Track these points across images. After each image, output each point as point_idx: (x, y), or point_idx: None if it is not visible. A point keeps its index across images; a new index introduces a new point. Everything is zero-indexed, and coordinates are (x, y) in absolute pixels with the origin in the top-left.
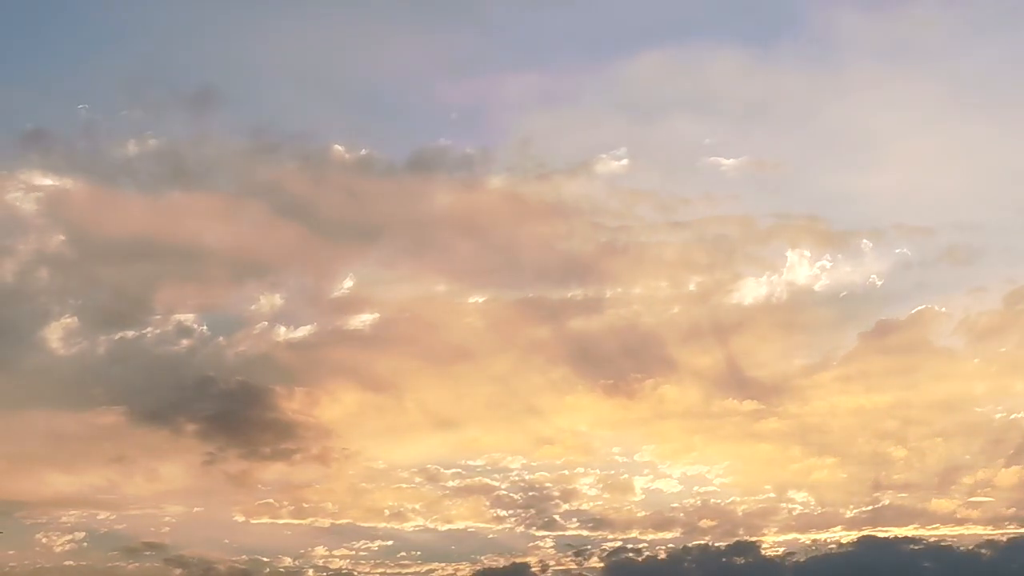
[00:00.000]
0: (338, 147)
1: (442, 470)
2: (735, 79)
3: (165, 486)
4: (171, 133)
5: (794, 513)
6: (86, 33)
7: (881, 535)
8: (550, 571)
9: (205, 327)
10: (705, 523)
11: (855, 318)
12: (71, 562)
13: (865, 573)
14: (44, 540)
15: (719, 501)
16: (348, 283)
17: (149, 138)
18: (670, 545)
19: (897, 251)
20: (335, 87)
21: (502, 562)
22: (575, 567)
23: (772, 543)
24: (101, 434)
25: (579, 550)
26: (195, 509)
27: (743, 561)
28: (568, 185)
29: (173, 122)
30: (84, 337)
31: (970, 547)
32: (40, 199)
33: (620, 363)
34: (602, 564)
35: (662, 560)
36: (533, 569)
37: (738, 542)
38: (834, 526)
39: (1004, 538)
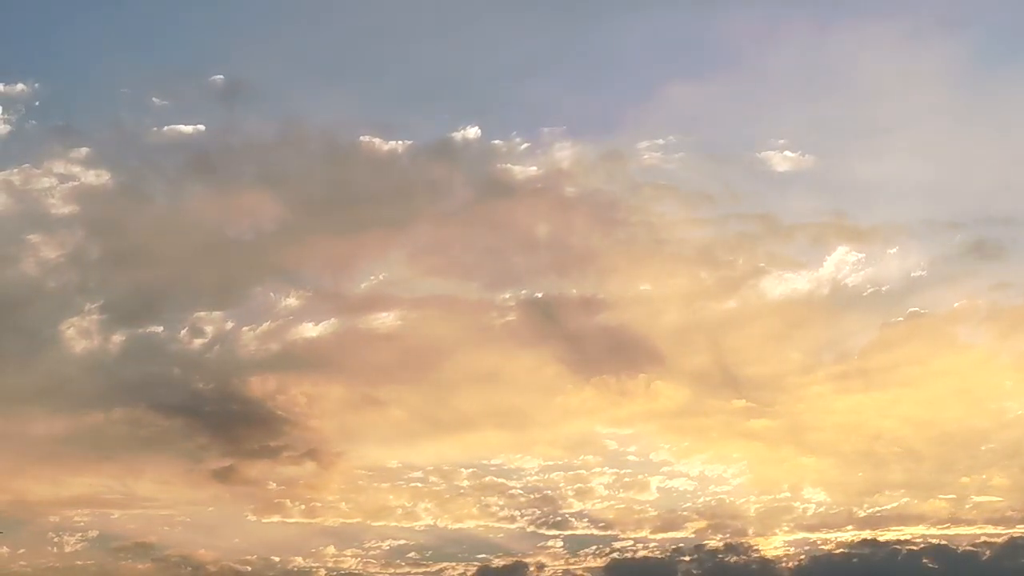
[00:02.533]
0: (364, 139)
1: (457, 469)
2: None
3: (176, 485)
4: (199, 126)
5: (808, 513)
6: (113, 27)
7: (899, 535)
8: (558, 571)
9: (222, 324)
10: (714, 523)
11: (879, 315)
12: (81, 562)
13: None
14: (56, 539)
15: (733, 500)
16: (367, 280)
17: (177, 131)
18: (680, 544)
19: (922, 246)
20: (363, 79)
21: (510, 562)
22: (581, 567)
23: (781, 543)
24: (113, 433)
25: (575, 551)
26: (207, 508)
27: (747, 561)
28: (588, 178)
29: (201, 115)
30: (100, 335)
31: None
32: (66, 193)
33: (635, 362)
34: (607, 564)
35: (666, 560)
36: (532, 569)
37: (744, 542)
38: (846, 526)
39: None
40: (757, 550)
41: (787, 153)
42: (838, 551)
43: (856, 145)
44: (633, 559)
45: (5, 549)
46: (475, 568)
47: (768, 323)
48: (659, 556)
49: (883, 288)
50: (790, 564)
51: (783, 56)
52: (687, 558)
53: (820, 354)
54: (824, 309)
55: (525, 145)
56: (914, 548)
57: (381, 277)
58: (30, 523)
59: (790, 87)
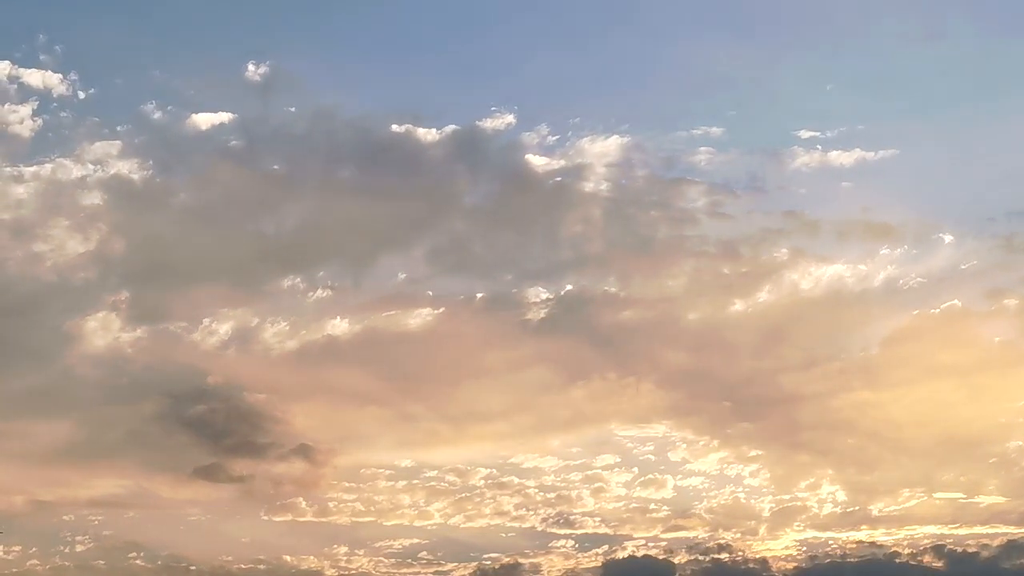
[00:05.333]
0: (396, 127)
1: (474, 469)
2: None
3: (187, 484)
4: (230, 116)
5: (822, 513)
6: (145, 17)
7: (912, 534)
8: (565, 571)
9: (243, 320)
10: (726, 522)
11: (903, 311)
12: (92, 561)
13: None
14: (68, 539)
15: (747, 499)
16: (389, 277)
17: (207, 122)
18: (690, 544)
19: (952, 241)
20: (393, 68)
21: (520, 562)
22: (587, 566)
23: (792, 542)
24: (126, 431)
25: (587, 550)
26: (219, 508)
27: (754, 561)
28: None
29: (232, 106)
30: (119, 331)
31: None
32: (96, 185)
33: (656, 360)
34: (612, 563)
35: (671, 559)
36: (529, 568)
37: (753, 542)
38: (860, 525)
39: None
40: (766, 550)
41: (817, 148)
42: (848, 550)
43: (882, 138)
44: (637, 558)
45: (18, 548)
46: (486, 567)
47: (788, 320)
48: (665, 556)
49: (910, 283)
50: (798, 564)
51: (811, 50)
52: (694, 557)
53: (842, 351)
54: (847, 306)
55: (553, 137)
56: (926, 547)
57: (403, 274)
58: (43, 523)
59: (818, 81)
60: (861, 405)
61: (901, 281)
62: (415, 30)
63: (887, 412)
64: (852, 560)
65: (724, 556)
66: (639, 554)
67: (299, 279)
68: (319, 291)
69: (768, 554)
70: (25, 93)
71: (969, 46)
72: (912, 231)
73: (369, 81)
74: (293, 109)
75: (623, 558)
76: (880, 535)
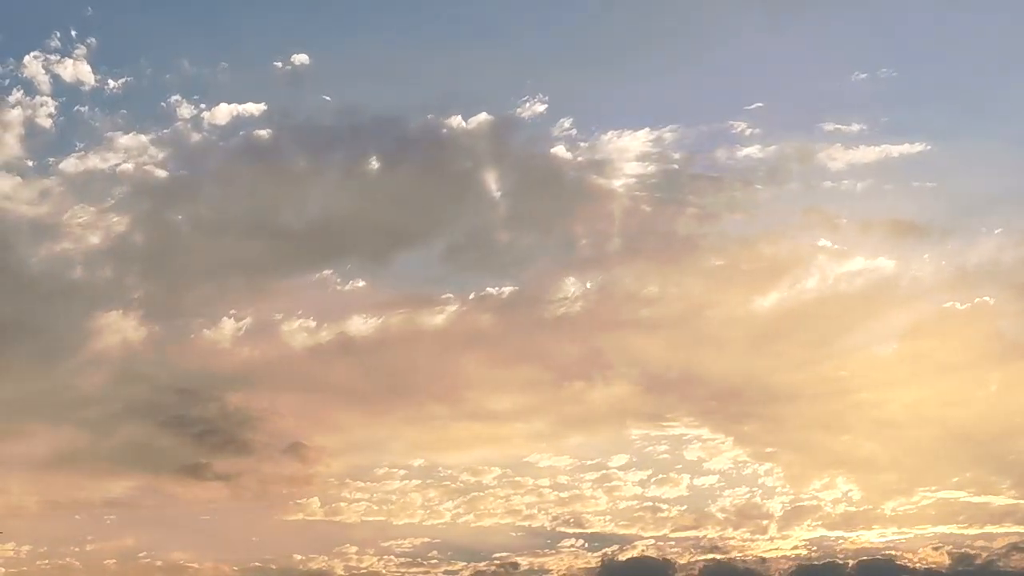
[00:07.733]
0: (429, 116)
1: (489, 468)
2: None
3: (199, 484)
4: (259, 108)
5: (834, 512)
6: (174, 12)
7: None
8: (567, 569)
9: (259, 317)
10: (736, 521)
11: (922, 309)
12: (100, 561)
13: None
14: (78, 538)
15: (761, 498)
16: (406, 274)
17: (232, 119)
18: (697, 544)
19: (974, 238)
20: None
21: (530, 560)
22: (591, 565)
23: (800, 541)
24: (137, 432)
25: (597, 549)
26: (229, 507)
27: (757, 560)
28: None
29: (260, 99)
30: (133, 328)
31: None
32: (119, 178)
33: (673, 358)
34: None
35: (676, 558)
36: (552, 568)
37: (760, 541)
38: (872, 524)
39: None
40: (774, 549)
41: (836, 145)
42: (852, 551)
43: (908, 132)
44: (636, 558)
45: (27, 547)
46: (494, 566)
47: (806, 318)
48: (668, 555)
49: (934, 279)
50: (798, 563)
51: (836, 42)
52: (696, 556)
53: (861, 349)
54: (866, 303)
55: (577, 131)
56: (935, 546)
57: (422, 270)
58: (53, 523)
59: (843, 73)
60: (877, 403)
61: (925, 277)
62: (441, 21)
63: (903, 410)
64: (853, 560)
65: (726, 555)
66: (645, 553)
67: (325, 273)
68: (341, 287)
69: (776, 553)
70: (56, 85)
71: (994, 42)
72: (938, 227)
73: (394, 73)
74: (327, 97)
75: (624, 559)
76: (892, 534)
